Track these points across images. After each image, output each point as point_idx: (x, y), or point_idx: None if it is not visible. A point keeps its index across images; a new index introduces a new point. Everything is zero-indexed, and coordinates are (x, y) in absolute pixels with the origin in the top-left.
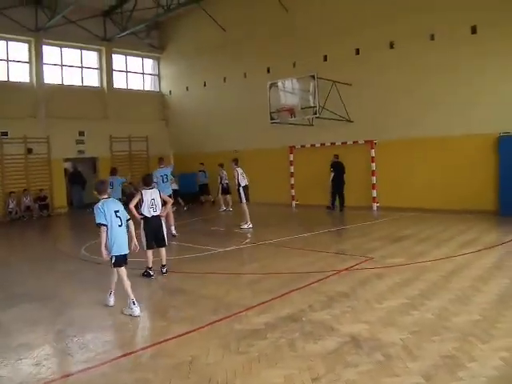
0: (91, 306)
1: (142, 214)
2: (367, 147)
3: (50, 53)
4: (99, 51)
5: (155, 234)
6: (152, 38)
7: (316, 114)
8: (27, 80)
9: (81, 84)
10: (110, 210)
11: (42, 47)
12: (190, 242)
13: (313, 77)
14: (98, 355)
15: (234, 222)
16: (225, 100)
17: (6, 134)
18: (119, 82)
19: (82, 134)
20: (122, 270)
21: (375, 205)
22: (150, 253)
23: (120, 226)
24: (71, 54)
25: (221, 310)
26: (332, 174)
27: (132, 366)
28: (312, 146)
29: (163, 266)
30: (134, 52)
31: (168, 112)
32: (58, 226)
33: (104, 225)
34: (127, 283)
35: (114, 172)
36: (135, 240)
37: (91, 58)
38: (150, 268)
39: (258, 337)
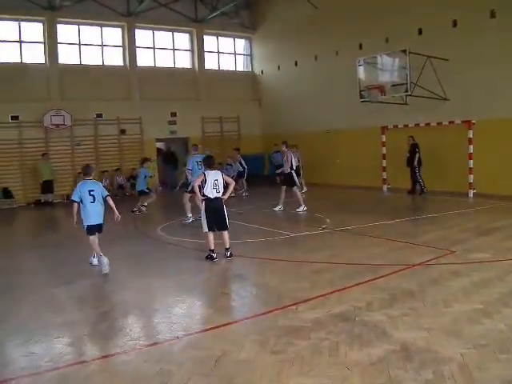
0: (144, 289)
1: (204, 195)
2: (464, 128)
3: (142, 36)
4: (190, 33)
5: (216, 217)
6: (243, 18)
7: (407, 91)
8: (121, 63)
9: (173, 66)
10: (84, 190)
11: (134, 31)
12: (264, 224)
13: (404, 52)
14: (131, 341)
15: (315, 205)
16: (316, 79)
17: (100, 115)
18: (211, 62)
19: (173, 114)
20: (94, 237)
21: (471, 191)
22: (210, 235)
23: (92, 202)
24: (163, 37)
25: (271, 302)
26: (417, 155)
27: (159, 356)
28: (405, 126)
29: (227, 249)
30: (226, 32)
31: (260, 92)
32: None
33: (75, 201)
34: (95, 247)
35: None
36: (116, 212)
37: (183, 39)
38: (212, 250)
39: (301, 336)
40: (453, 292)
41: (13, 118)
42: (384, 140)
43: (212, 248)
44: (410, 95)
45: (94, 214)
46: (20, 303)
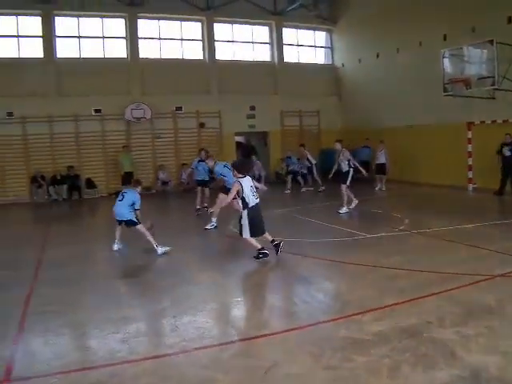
0: (207, 286)
1: (245, 204)
2: None
3: (221, 30)
4: (269, 25)
5: (260, 222)
6: (322, 10)
7: (494, 85)
8: (200, 57)
9: (251, 59)
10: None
11: (213, 25)
12: (337, 223)
13: (491, 42)
14: (183, 341)
15: (393, 204)
16: (398, 71)
17: (180, 108)
18: (290, 55)
19: (252, 108)
20: (119, 226)
21: None
22: (252, 239)
23: (120, 200)
24: (242, 30)
25: (334, 309)
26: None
27: (208, 361)
28: (493, 122)
29: (273, 241)
30: (305, 25)
31: (340, 85)
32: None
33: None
34: (118, 232)
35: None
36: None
37: (262, 32)
38: (261, 248)
39: (360, 350)
40: None
41: (96, 110)
42: (470, 136)
43: (260, 247)
44: (497, 89)
45: (118, 210)
46: (85, 295)
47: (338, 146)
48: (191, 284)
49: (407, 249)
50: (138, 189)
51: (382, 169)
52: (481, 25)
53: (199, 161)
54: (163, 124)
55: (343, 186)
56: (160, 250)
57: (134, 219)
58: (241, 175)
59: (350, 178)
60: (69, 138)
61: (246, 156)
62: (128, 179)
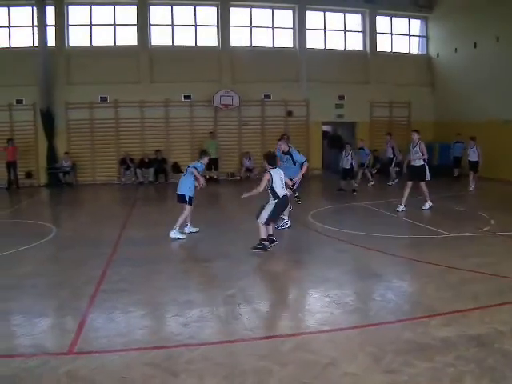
0: (277, 276)
1: (274, 194)
2: None
3: (314, 18)
4: (363, 14)
5: (280, 214)
6: None
7: None
8: (290, 45)
9: (343, 48)
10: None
11: (305, 13)
12: (419, 219)
13: None
14: (244, 330)
15: (482, 202)
16: (496, 62)
17: (268, 96)
18: (383, 44)
19: (341, 98)
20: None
21: None
22: (263, 228)
23: (184, 174)
24: (334, 18)
25: (403, 310)
26: None
27: (266, 351)
28: None
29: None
30: (400, 13)
31: (434, 76)
32: (304, 187)
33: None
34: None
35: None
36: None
37: (354, 21)
38: (263, 239)
39: (424, 356)
40: None
41: (185, 97)
42: None
43: (264, 237)
44: None
45: (180, 185)
46: (154, 275)
47: (415, 136)
48: (262, 273)
49: (489, 251)
50: (203, 160)
51: (473, 166)
52: None
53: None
54: (251, 112)
55: (422, 184)
56: (173, 233)
57: (187, 197)
58: (270, 166)
59: (428, 173)
60: (158, 122)
61: (332, 146)
62: (213, 165)
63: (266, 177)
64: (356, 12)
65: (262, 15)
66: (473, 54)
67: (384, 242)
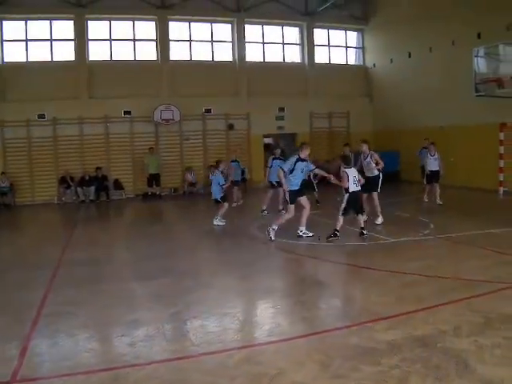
0: (223, 290)
1: (347, 189)
2: None
3: (252, 31)
4: (300, 26)
5: (355, 205)
6: (354, 10)
7: None
8: (230, 59)
9: (281, 60)
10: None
11: (243, 26)
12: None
13: None
14: (192, 346)
15: (422, 207)
16: (430, 71)
17: (209, 110)
18: (321, 56)
19: (281, 110)
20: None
21: None
22: (341, 219)
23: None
24: (272, 31)
25: (348, 316)
26: None
27: (213, 366)
28: None
29: (362, 228)
30: (337, 25)
31: (371, 86)
32: (248, 200)
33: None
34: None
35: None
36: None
37: (292, 33)
38: (337, 230)
39: (370, 360)
40: None
41: (125, 112)
42: (502, 138)
43: (338, 228)
44: None
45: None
46: (98, 295)
47: (364, 147)
48: (208, 288)
49: (429, 254)
50: (220, 168)
51: (436, 176)
52: None
53: (274, 159)
54: (192, 126)
55: (375, 194)
56: (215, 221)
57: (219, 198)
58: (347, 166)
59: (380, 184)
60: (98, 139)
61: (273, 158)
62: (154, 181)
63: (345, 175)
64: (294, 25)
65: (201, 29)
66: (408, 64)
67: (328, 250)
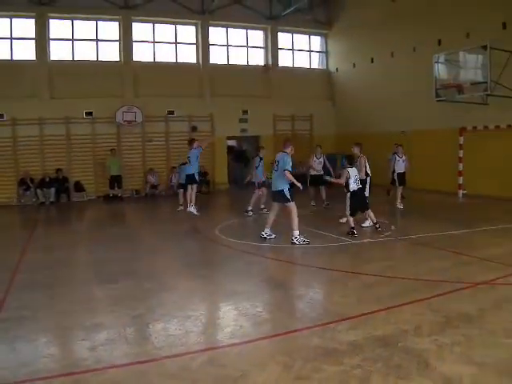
0: (185, 292)
1: (348, 188)
2: None
3: (216, 34)
4: (264, 30)
5: (360, 203)
6: (318, 15)
7: (487, 90)
8: (194, 61)
9: (246, 63)
10: None
11: (208, 29)
12: (323, 229)
13: (484, 47)
14: (154, 349)
15: (383, 209)
16: (392, 76)
17: (172, 112)
18: (284, 60)
19: (245, 112)
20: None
21: None
22: (351, 218)
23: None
24: (237, 34)
25: (310, 317)
26: None
27: (176, 370)
28: (485, 128)
29: (375, 223)
30: (300, 29)
31: (334, 90)
32: (211, 202)
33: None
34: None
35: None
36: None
37: (257, 36)
38: (353, 228)
39: (332, 360)
40: None
41: (87, 113)
42: (461, 142)
43: (353, 226)
44: (490, 95)
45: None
46: (58, 299)
47: (355, 150)
48: (170, 290)
49: (390, 255)
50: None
51: (403, 178)
52: (475, 30)
53: (261, 159)
54: (155, 127)
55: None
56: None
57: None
58: (349, 166)
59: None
60: (59, 140)
61: (237, 161)
62: (116, 183)
63: (345, 173)
64: (258, 28)
65: (164, 30)
66: (370, 69)
67: (290, 252)
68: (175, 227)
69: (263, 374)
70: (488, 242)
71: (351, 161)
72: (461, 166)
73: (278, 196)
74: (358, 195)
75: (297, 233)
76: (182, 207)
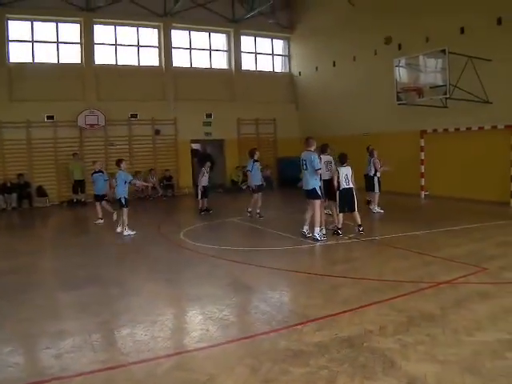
0: (150, 297)
1: (338, 186)
2: (508, 133)
3: (179, 37)
4: (227, 33)
5: (348, 202)
6: (281, 18)
7: (446, 93)
8: (156, 64)
9: (209, 66)
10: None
11: (170, 31)
12: (288, 231)
13: (443, 52)
14: (121, 356)
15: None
16: (354, 80)
17: (135, 115)
18: (248, 63)
19: (209, 116)
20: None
21: None
22: (340, 216)
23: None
24: (199, 37)
25: (277, 319)
26: None
27: (143, 375)
28: (445, 130)
29: (359, 225)
30: (263, 33)
31: (297, 93)
32: (176, 206)
33: None
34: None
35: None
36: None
37: (220, 40)
38: (339, 229)
39: (299, 362)
40: (478, 318)
41: (48, 117)
42: (422, 145)
43: (340, 227)
44: (449, 98)
45: None
46: (23, 306)
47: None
48: (135, 295)
49: (354, 257)
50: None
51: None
52: (434, 35)
53: (255, 161)
54: (117, 131)
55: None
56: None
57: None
58: (340, 164)
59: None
60: (19, 144)
61: (201, 165)
62: (79, 187)
63: (335, 173)
64: (221, 31)
65: (126, 33)
66: (332, 73)
67: (254, 255)
68: (139, 232)
69: (231, 378)
70: (449, 242)
71: (344, 160)
72: (422, 168)
73: (311, 194)
74: (347, 194)
75: (318, 229)
76: (101, 220)
